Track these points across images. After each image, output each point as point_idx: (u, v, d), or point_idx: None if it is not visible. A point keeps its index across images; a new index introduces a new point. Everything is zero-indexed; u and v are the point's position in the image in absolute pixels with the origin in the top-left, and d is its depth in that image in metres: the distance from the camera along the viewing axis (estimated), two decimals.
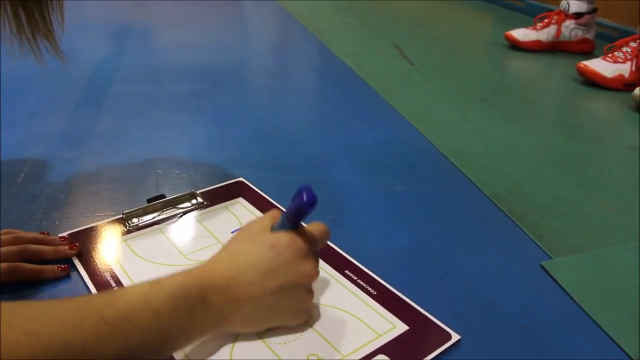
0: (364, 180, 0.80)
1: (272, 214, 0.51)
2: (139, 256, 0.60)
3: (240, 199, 0.71)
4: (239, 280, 0.44)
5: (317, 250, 0.50)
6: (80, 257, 0.59)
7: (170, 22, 1.71)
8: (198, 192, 0.72)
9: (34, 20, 0.50)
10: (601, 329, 0.53)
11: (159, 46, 1.48)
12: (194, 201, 0.70)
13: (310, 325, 0.50)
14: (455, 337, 0.50)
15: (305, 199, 0.44)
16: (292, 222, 0.47)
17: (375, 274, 0.58)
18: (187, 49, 1.43)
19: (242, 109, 1.05)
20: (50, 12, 0.52)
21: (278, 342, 0.48)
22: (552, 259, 0.64)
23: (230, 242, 0.49)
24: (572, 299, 0.57)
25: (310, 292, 0.49)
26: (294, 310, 0.48)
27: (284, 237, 0.47)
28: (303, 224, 0.49)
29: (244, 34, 1.71)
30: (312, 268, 0.47)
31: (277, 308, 0.46)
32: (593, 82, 1.26)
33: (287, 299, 0.46)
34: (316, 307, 0.52)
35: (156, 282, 0.42)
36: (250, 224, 0.50)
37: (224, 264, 0.46)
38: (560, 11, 1.52)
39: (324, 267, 0.59)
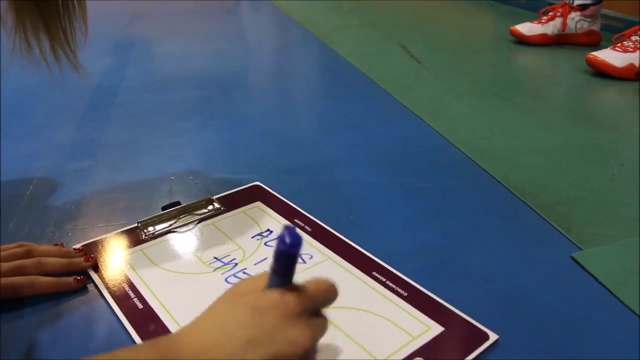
0: (382, 179, 0.77)
1: (268, 273, 0.40)
2: (157, 265, 0.58)
3: (259, 203, 0.69)
4: (213, 352, 0.35)
5: (317, 310, 0.40)
6: (96, 268, 0.58)
7: (170, 33, 1.70)
8: (214, 197, 0.70)
9: (53, 30, 0.47)
10: None
11: (161, 56, 1.46)
12: (210, 207, 0.68)
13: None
14: (493, 336, 0.48)
15: (287, 240, 0.36)
16: (279, 274, 0.38)
17: (403, 274, 0.56)
18: (191, 57, 1.41)
19: (252, 114, 1.04)
20: (73, 21, 0.49)
21: None
22: (582, 250, 0.62)
23: (212, 305, 0.39)
24: (608, 290, 0.55)
25: None
26: None
27: (270, 297, 0.37)
28: (298, 280, 0.40)
29: (247, 40, 1.69)
30: (304, 334, 0.37)
31: None
32: (603, 72, 1.24)
33: None
34: None
35: (111, 355, 0.36)
36: (239, 283, 0.41)
37: (198, 333, 0.37)
38: (565, 3, 1.50)
39: (350, 269, 0.57)
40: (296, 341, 0.37)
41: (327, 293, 0.41)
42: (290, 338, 0.36)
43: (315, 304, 0.40)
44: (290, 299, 0.37)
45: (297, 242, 0.36)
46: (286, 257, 0.37)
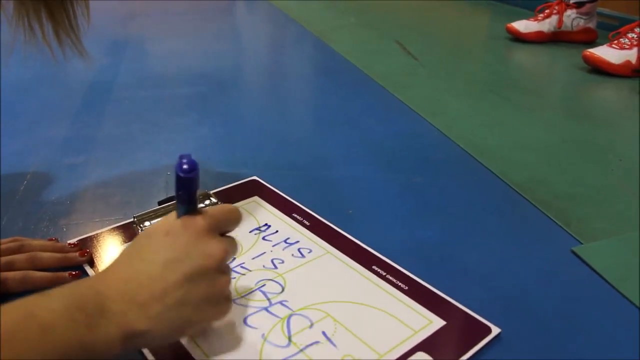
0: (380, 175, 0.77)
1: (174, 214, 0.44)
2: None
3: (256, 198, 0.68)
4: (137, 279, 0.38)
5: (224, 231, 0.44)
6: (91, 263, 0.57)
7: (166, 31, 1.68)
8: (211, 192, 0.69)
9: (56, 13, 0.47)
10: None
11: (157, 53, 1.45)
12: (207, 202, 0.67)
13: (338, 322, 0.48)
14: (495, 330, 0.48)
15: (184, 166, 0.39)
16: (183, 202, 0.42)
17: (403, 268, 0.55)
18: (187, 55, 1.40)
19: (249, 110, 1.03)
20: (75, 6, 0.48)
21: (309, 343, 0.46)
22: (582, 244, 0.61)
23: (126, 247, 0.43)
24: (609, 283, 0.55)
25: (224, 273, 0.42)
26: (211, 300, 0.41)
27: (179, 221, 0.41)
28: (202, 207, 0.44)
29: (244, 38, 1.69)
30: (217, 247, 0.41)
31: (190, 302, 0.39)
32: (600, 69, 1.24)
33: (198, 288, 0.40)
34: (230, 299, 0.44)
35: (44, 294, 0.36)
36: (151, 225, 0.44)
37: (119, 267, 0.40)
38: (561, 1, 1.51)
39: (350, 263, 0.56)
40: (211, 254, 0.41)
41: (231, 214, 0.45)
42: (206, 252, 0.40)
43: (221, 223, 0.44)
44: (198, 219, 0.41)
45: (194, 167, 0.39)
46: (186, 183, 0.40)
